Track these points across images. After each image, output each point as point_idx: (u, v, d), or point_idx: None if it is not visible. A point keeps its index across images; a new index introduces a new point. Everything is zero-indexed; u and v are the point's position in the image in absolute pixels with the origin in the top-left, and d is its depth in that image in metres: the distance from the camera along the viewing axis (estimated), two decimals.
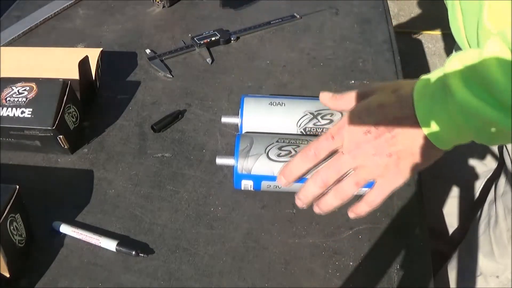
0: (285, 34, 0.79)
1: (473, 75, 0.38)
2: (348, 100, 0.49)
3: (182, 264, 0.50)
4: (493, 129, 0.39)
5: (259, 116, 0.55)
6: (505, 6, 0.41)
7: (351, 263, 0.50)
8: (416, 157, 0.44)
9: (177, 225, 0.53)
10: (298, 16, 0.81)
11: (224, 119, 0.58)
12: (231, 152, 0.55)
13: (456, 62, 0.40)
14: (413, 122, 0.43)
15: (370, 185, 0.47)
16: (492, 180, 0.79)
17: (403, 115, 0.43)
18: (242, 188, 0.52)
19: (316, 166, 0.47)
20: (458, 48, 0.56)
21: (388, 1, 0.87)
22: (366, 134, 0.44)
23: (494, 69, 0.36)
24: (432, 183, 0.90)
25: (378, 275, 0.49)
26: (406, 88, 0.45)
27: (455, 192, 0.91)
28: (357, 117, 0.45)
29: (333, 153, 0.46)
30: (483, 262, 0.76)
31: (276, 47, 0.76)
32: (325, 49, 0.75)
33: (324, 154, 0.46)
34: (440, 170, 0.87)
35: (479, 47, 0.46)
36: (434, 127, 0.42)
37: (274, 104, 0.55)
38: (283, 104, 0.55)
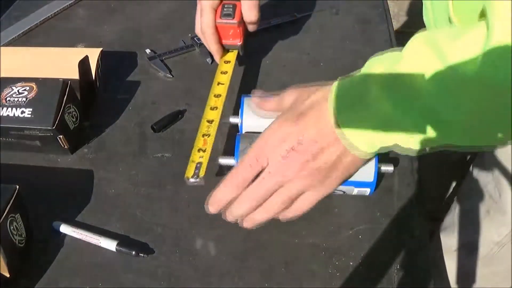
0: (285, 34, 0.79)
1: (395, 84, 0.38)
2: (269, 105, 0.50)
3: (182, 264, 0.50)
4: (415, 139, 0.39)
5: (259, 119, 0.55)
6: (467, 3, 0.42)
7: (351, 263, 0.49)
8: (340, 169, 0.44)
9: (177, 225, 0.53)
10: (298, 16, 0.81)
11: (232, 120, 0.58)
12: (231, 152, 0.55)
13: (376, 66, 0.40)
14: (333, 135, 0.42)
15: (348, 183, 0.47)
16: (464, 155, 0.83)
17: (322, 129, 0.42)
18: None
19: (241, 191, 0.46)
20: None
21: (388, 1, 0.87)
22: (289, 152, 0.43)
23: (419, 78, 0.36)
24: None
25: (378, 275, 0.48)
26: (320, 97, 0.44)
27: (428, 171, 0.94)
28: (277, 135, 0.44)
29: (259, 174, 0.45)
30: (463, 236, 0.79)
31: (276, 47, 0.76)
32: (325, 49, 0.75)
33: (251, 178, 0.45)
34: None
35: None
36: (355, 140, 0.41)
37: None
38: None
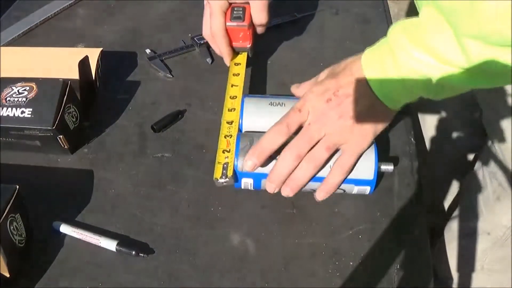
0: (285, 34, 0.79)
1: (415, 40, 0.43)
2: (306, 86, 0.56)
3: (182, 264, 0.50)
4: (439, 86, 0.44)
5: (259, 117, 0.55)
6: None
7: (351, 263, 0.49)
8: (374, 118, 0.49)
9: (177, 225, 0.53)
10: (298, 16, 0.81)
11: None
12: None
13: (398, 31, 0.45)
14: (365, 86, 0.48)
15: (348, 181, 0.50)
16: (476, 150, 0.87)
17: (356, 80, 0.48)
18: (242, 187, 0.53)
19: (287, 141, 0.49)
20: None
21: (388, 1, 0.87)
22: (327, 102, 0.49)
23: (431, 34, 0.41)
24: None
25: (378, 275, 0.49)
26: (354, 58, 0.50)
27: (440, 164, 1.00)
28: (316, 90, 0.50)
29: (301, 126, 0.50)
30: (475, 223, 0.84)
31: (276, 47, 0.76)
32: (325, 49, 0.75)
33: (295, 127, 0.49)
34: (423, 145, 0.97)
35: None
36: (384, 89, 0.47)
37: (274, 104, 0.56)
38: (283, 105, 0.55)
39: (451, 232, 0.91)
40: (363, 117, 0.48)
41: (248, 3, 0.63)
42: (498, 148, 0.74)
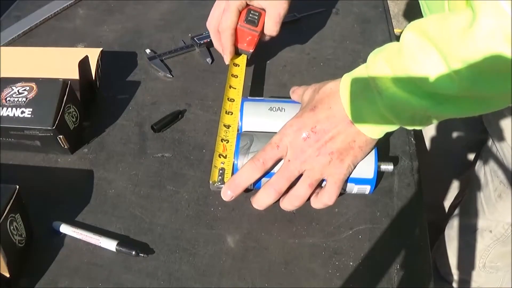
0: (285, 34, 0.78)
1: (398, 70, 0.42)
2: (299, 91, 0.56)
3: (182, 264, 0.50)
4: (423, 116, 0.43)
5: (259, 124, 0.55)
6: (462, 3, 0.43)
7: (351, 263, 0.50)
8: (355, 150, 0.49)
9: (177, 225, 0.53)
10: (298, 16, 0.81)
11: None
12: None
13: (379, 59, 0.43)
14: (345, 120, 0.48)
15: (348, 180, 0.51)
16: (477, 148, 0.87)
17: (334, 115, 0.48)
18: None
19: (262, 176, 0.50)
20: None
21: (388, 1, 0.87)
22: (306, 140, 0.48)
23: (418, 61, 0.39)
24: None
25: (378, 275, 0.49)
26: (332, 87, 0.49)
27: (441, 163, 1.00)
28: (294, 125, 0.49)
29: (278, 161, 0.50)
30: (477, 220, 0.84)
31: (276, 47, 0.76)
32: (325, 49, 0.75)
33: (271, 163, 0.49)
34: (423, 145, 0.98)
35: None
36: (366, 122, 0.47)
37: (274, 109, 0.55)
38: (283, 110, 0.55)
39: (452, 230, 0.91)
40: (342, 152, 0.48)
41: (264, 9, 0.62)
42: (499, 146, 0.75)
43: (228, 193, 0.50)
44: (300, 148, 0.48)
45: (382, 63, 0.43)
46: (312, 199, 0.51)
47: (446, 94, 0.39)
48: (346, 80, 0.48)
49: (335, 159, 0.48)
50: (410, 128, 0.48)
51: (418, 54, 0.39)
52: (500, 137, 0.74)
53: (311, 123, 0.48)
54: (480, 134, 0.84)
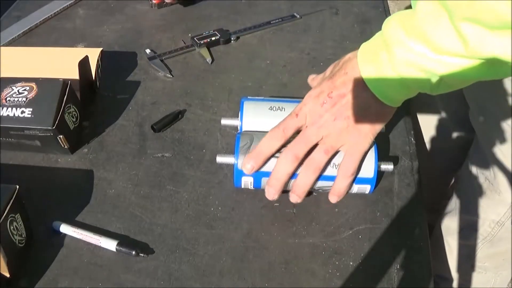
0: (285, 34, 0.79)
1: (410, 31, 0.42)
2: (318, 80, 0.57)
3: (182, 264, 0.50)
4: (436, 79, 0.43)
5: (259, 123, 0.55)
6: None
7: (351, 263, 0.49)
8: (371, 117, 0.49)
9: (177, 225, 0.53)
10: (298, 16, 0.81)
11: (224, 121, 0.58)
12: (231, 151, 0.55)
13: (394, 23, 0.45)
14: (361, 84, 0.48)
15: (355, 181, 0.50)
16: (464, 147, 0.87)
17: (350, 80, 0.48)
18: (242, 186, 0.53)
19: (283, 145, 0.50)
20: None
21: (388, 1, 0.87)
22: (322, 105, 0.49)
23: (427, 22, 0.40)
24: None
25: (378, 275, 0.48)
26: (350, 56, 0.50)
27: (441, 165, 1.00)
28: (312, 94, 0.50)
29: (298, 130, 0.50)
30: (464, 219, 0.85)
31: (276, 47, 0.76)
32: (325, 49, 0.75)
33: (291, 131, 0.50)
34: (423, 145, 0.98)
35: None
36: (381, 86, 0.47)
37: (274, 109, 0.55)
38: (283, 109, 0.55)
39: (443, 229, 0.91)
40: (358, 118, 0.48)
41: None
42: (484, 144, 0.75)
43: (249, 165, 0.50)
44: (318, 114, 0.49)
45: (396, 25, 0.44)
46: (331, 191, 0.51)
47: (456, 54, 0.40)
48: (363, 46, 0.49)
49: (351, 126, 0.48)
50: (422, 91, 0.47)
51: (428, 16, 0.40)
52: (485, 134, 0.74)
53: (328, 90, 0.49)
54: (465, 133, 0.85)
